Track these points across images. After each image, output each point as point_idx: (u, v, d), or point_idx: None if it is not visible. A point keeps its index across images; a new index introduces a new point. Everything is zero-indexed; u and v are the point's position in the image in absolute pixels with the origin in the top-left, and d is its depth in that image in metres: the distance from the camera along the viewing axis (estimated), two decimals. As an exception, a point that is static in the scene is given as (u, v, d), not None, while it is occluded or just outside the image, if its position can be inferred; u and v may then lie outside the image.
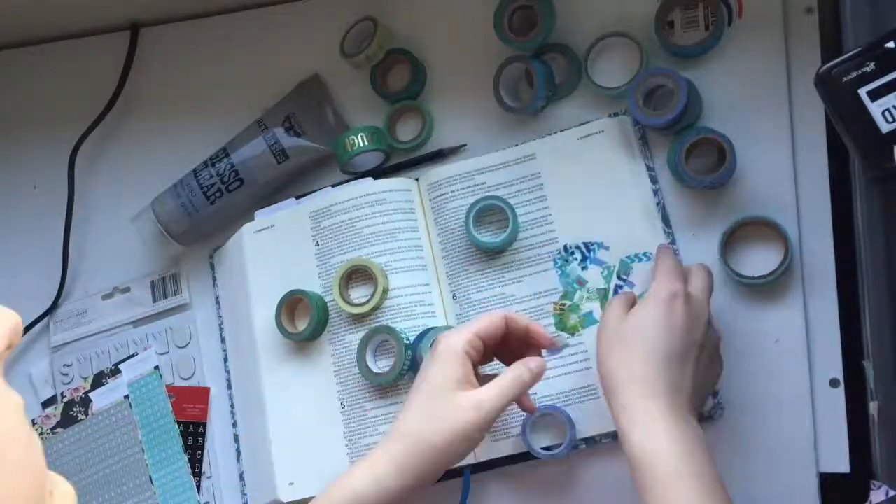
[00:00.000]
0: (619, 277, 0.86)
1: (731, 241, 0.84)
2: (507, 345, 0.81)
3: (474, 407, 0.75)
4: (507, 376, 0.77)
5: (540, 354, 0.81)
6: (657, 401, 0.71)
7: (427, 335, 0.87)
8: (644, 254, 0.86)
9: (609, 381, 0.74)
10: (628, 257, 0.86)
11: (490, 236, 0.89)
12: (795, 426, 0.82)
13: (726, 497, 0.70)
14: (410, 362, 0.87)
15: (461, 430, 0.75)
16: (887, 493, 0.72)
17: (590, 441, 0.86)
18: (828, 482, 0.82)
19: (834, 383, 0.82)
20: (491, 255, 0.89)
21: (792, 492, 0.81)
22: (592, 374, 0.85)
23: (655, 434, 0.70)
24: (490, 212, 0.89)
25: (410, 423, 0.77)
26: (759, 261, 0.84)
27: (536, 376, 0.78)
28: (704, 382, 0.78)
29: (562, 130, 0.90)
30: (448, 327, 0.89)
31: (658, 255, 0.80)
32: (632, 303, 0.77)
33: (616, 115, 0.89)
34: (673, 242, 0.86)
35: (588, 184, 0.88)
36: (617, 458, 0.85)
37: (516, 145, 0.91)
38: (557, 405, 0.85)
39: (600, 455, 0.86)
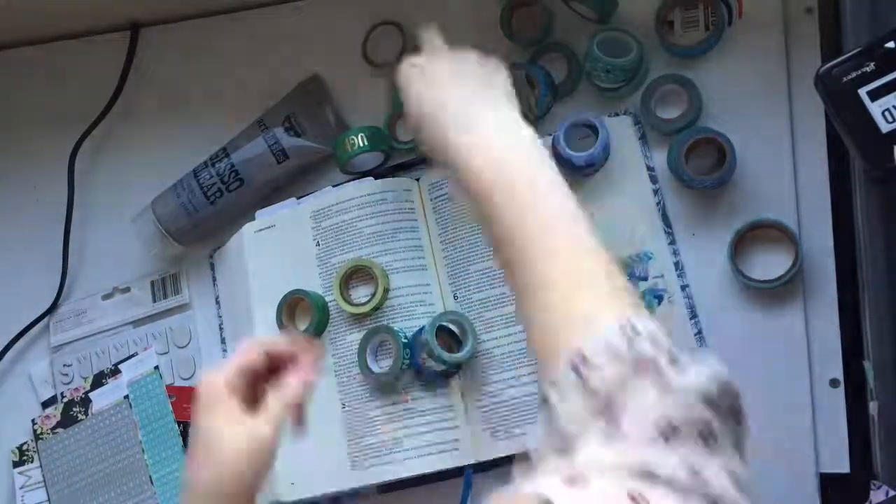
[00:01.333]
0: (620, 278, 0.86)
1: (739, 244, 0.84)
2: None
3: (249, 440, 0.69)
4: (272, 400, 0.72)
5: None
6: (476, 106, 0.69)
7: (421, 333, 0.87)
8: (645, 254, 0.86)
9: (430, 104, 0.71)
10: (629, 257, 0.86)
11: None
12: (795, 426, 0.82)
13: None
14: (409, 361, 0.87)
15: (243, 468, 0.69)
16: (887, 493, 0.72)
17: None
18: (828, 482, 0.82)
19: (834, 383, 0.82)
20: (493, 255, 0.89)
21: (792, 492, 0.81)
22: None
23: (481, 149, 0.66)
24: None
25: (204, 478, 0.70)
26: (766, 263, 0.84)
27: (299, 390, 0.73)
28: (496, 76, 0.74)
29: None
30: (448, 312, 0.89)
31: None
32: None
33: (616, 114, 0.89)
34: (673, 242, 0.87)
35: (589, 184, 0.88)
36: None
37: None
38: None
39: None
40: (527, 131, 0.68)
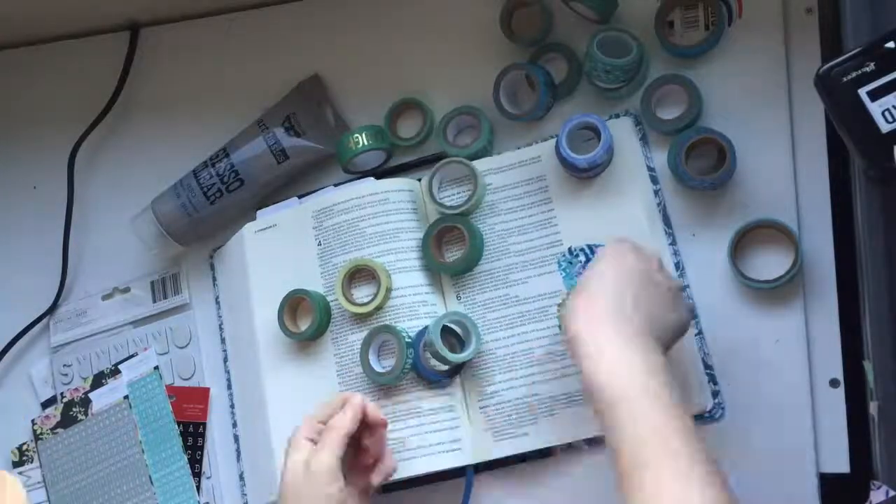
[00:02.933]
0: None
1: (738, 244, 0.84)
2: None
3: (304, 467, 0.80)
4: (327, 427, 0.82)
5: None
6: (604, 328, 0.71)
7: (424, 333, 0.87)
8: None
9: (572, 329, 0.72)
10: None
11: (450, 255, 0.90)
12: (795, 426, 0.82)
13: (684, 415, 0.68)
14: (412, 361, 0.87)
15: (302, 494, 0.80)
16: (887, 493, 0.72)
17: (592, 442, 0.86)
18: (828, 482, 0.82)
19: (834, 383, 0.82)
20: (496, 256, 0.90)
21: (792, 492, 0.81)
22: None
23: (604, 359, 0.69)
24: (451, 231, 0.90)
25: None
26: (765, 263, 0.84)
27: (346, 415, 0.82)
28: (664, 315, 0.76)
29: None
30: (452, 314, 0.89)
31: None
32: None
33: (617, 116, 0.89)
34: (673, 243, 0.87)
35: (592, 185, 0.88)
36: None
37: (519, 148, 0.91)
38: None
39: (603, 455, 0.86)
40: (638, 348, 0.70)
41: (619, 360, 0.69)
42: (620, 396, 0.68)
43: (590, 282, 0.74)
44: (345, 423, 0.81)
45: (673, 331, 0.77)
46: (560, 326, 0.86)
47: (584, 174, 0.87)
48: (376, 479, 0.84)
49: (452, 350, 0.87)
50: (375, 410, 0.84)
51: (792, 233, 0.83)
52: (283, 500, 0.80)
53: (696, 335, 0.84)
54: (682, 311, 0.78)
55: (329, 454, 0.80)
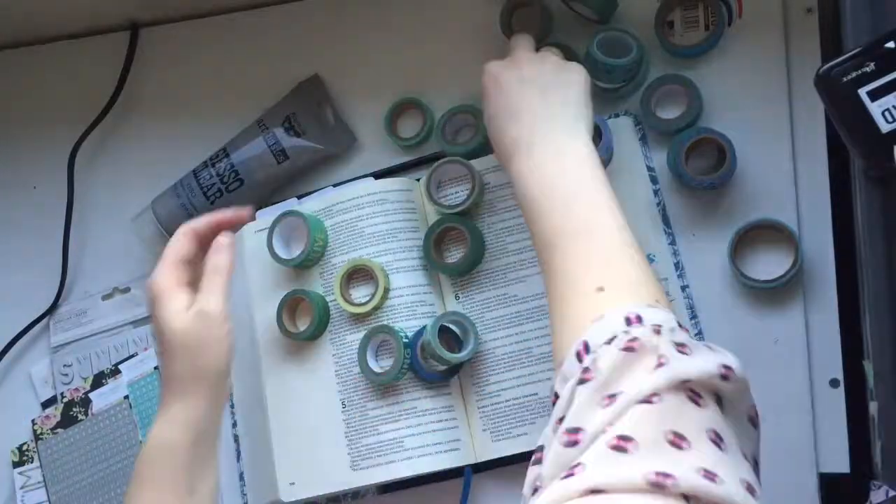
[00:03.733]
0: (619, 278, 0.86)
1: (738, 244, 0.84)
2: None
3: (197, 317, 0.76)
4: (204, 276, 0.79)
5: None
6: (520, 156, 0.74)
7: (422, 333, 0.87)
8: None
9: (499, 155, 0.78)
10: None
11: (451, 257, 0.90)
12: (795, 426, 0.82)
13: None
14: (410, 361, 0.87)
15: (203, 342, 0.77)
16: (887, 493, 0.72)
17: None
18: (828, 482, 0.82)
19: (834, 383, 0.82)
20: (495, 255, 0.90)
21: (792, 492, 0.81)
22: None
23: (543, 163, 0.73)
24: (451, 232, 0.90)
25: (179, 370, 0.77)
26: (765, 263, 0.84)
27: (222, 253, 0.80)
28: (570, 95, 0.77)
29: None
30: (454, 313, 0.89)
31: None
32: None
33: (617, 115, 0.89)
34: (673, 243, 0.86)
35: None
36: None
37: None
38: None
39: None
40: (579, 154, 0.73)
41: (558, 159, 0.73)
42: (563, 193, 0.71)
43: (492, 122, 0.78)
44: (227, 264, 0.79)
45: (584, 94, 0.78)
46: None
47: None
48: None
49: (450, 350, 0.87)
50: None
51: (792, 233, 0.83)
52: (172, 352, 0.77)
53: (695, 335, 0.84)
54: (573, 72, 0.79)
55: (220, 298, 0.78)
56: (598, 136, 0.85)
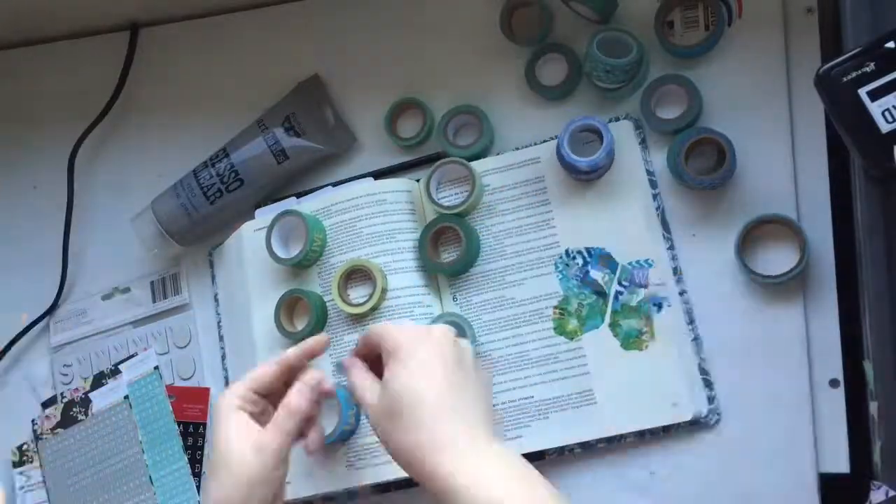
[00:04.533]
0: (619, 283, 0.86)
1: (742, 241, 0.84)
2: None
3: (255, 452, 0.73)
4: (279, 410, 0.75)
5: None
6: (459, 439, 0.68)
7: None
8: (645, 260, 0.86)
9: (397, 458, 0.70)
10: (629, 263, 0.86)
11: (446, 256, 0.90)
12: (795, 426, 0.82)
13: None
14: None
15: (252, 480, 0.72)
16: (887, 494, 0.72)
17: (586, 445, 0.86)
18: (828, 482, 0.82)
19: (834, 383, 0.82)
20: (493, 257, 0.89)
21: (792, 492, 0.81)
22: (590, 379, 0.85)
23: (467, 468, 0.67)
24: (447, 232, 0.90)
25: (215, 496, 0.73)
26: (766, 261, 0.84)
27: (303, 396, 0.76)
28: (486, 395, 0.75)
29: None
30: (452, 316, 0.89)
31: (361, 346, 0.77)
32: (366, 362, 0.76)
33: (617, 119, 0.89)
34: (671, 248, 0.86)
35: (591, 188, 0.88)
36: (614, 462, 0.85)
37: (518, 148, 0.91)
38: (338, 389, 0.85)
39: (597, 460, 0.86)
40: (495, 452, 0.69)
41: (485, 467, 0.67)
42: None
43: (401, 402, 0.70)
44: (302, 406, 0.75)
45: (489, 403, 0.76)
46: (556, 330, 0.87)
47: (585, 176, 0.87)
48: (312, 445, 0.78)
49: None
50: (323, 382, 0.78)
51: (799, 228, 0.82)
52: (217, 472, 0.73)
53: (692, 340, 0.84)
54: (488, 377, 0.79)
55: (286, 440, 0.74)
56: (600, 139, 0.85)
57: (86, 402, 1.02)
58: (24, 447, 1.03)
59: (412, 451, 0.69)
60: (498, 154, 0.92)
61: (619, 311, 0.85)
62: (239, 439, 0.73)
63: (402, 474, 0.86)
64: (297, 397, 0.76)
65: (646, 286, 0.85)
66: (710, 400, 0.83)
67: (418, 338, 0.73)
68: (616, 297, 0.86)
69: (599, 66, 0.86)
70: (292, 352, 0.78)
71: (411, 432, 0.69)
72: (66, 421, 1.02)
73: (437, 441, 0.68)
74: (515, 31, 0.93)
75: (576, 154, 0.85)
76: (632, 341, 0.85)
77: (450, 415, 0.69)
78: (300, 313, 0.93)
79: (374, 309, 0.89)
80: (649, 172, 0.88)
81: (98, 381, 1.02)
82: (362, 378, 0.75)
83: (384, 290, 0.89)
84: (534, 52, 0.92)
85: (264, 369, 0.77)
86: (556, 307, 0.87)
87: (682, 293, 0.85)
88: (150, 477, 0.98)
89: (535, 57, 0.92)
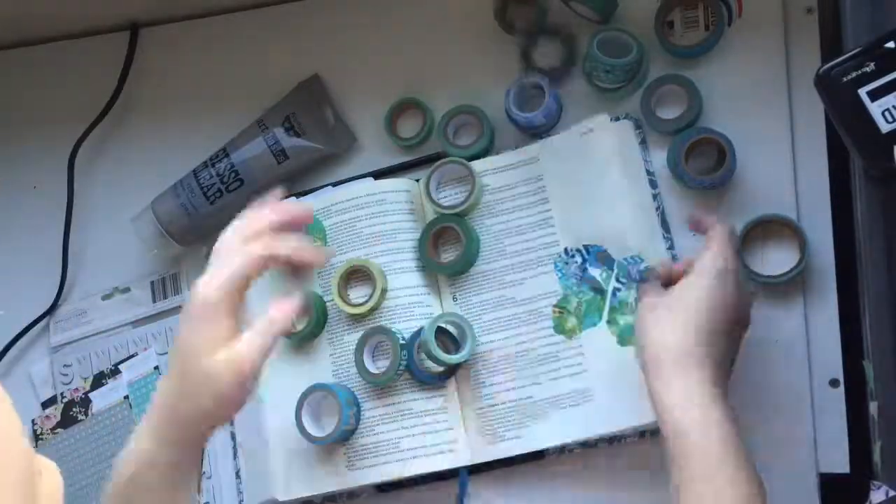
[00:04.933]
0: (617, 281, 0.86)
1: (745, 240, 0.84)
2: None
3: (231, 370, 0.67)
4: (259, 324, 0.70)
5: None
6: (699, 377, 0.70)
7: (419, 334, 0.87)
8: (641, 258, 0.85)
9: (650, 350, 0.72)
10: (625, 259, 0.86)
11: (446, 256, 0.90)
12: (795, 426, 0.82)
13: (759, 483, 0.69)
14: (407, 362, 0.87)
15: (220, 398, 0.68)
16: (887, 494, 0.71)
17: (586, 444, 0.86)
18: (828, 482, 0.82)
19: (834, 383, 0.82)
20: (493, 257, 0.89)
21: (792, 492, 0.81)
22: (588, 377, 0.85)
23: (694, 414, 0.69)
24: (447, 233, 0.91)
25: (164, 395, 0.69)
26: (766, 261, 0.83)
27: (284, 316, 0.71)
28: (734, 355, 0.77)
29: (562, 131, 0.90)
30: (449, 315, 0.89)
31: (712, 225, 0.77)
32: (665, 283, 0.78)
33: (617, 118, 0.89)
34: (671, 247, 0.86)
35: (590, 187, 0.88)
36: (612, 462, 0.85)
37: (517, 147, 0.91)
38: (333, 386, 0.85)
39: (597, 458, 0.86)
40: (716, 412, 0.70)
41: (708, 420, 0.69)
42: (704, 457, 0.68)
43: (683, 305, 0.73)
44: (286, 325, 0.71)
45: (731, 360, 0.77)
46: (555, 328, 0.86)
47: (528, 132, 0.90)
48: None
49: (447, 351, 0.87)
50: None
51: (799, 228, 0.82)
52: (184, 382, 0.69)
53: None
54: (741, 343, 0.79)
55: (261, 358, 0.69)
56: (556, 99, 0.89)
57: (86, 402, 1.02)
58: (24, 447, 1.03)
59: (655, 362, 0.72)
60: (498, 154, 0.92)
61: (616, 308, 0.85)
62: (216, 347, 0.67)
63: (403, 474, 0.87)
64: (279, 309, 0.70)
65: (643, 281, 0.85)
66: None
67: (721, 273, 0.74)
68: (614, 295, 0.86)
69: (599, 66, 0.86)
70: (281, 247, 0.71)
71: (664, 330, 0.72)
72: (66, 421, 1.02)
73: (672, 380, 0.71)
74: (511, 25, 0.94)
75: (520, 110, 0.88)
76: (629, 337, 0.85)
77: (698, 343, 0.71)
78: (300, 313, 0.92)
79: (374, 309, 0.89)
80: (649, 172, 0.88)
81: (98, 381, 1.02)
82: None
83: (384, 290, 0.89)
84: (528, 38, 0.92)
85: (244, 262, 0.69)
86: (556, 306, 0.87)
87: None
88: (150, 477, 0.98)
89: (528, 47, 0.92)
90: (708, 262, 0.74)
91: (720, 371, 0.72)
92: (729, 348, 0.74)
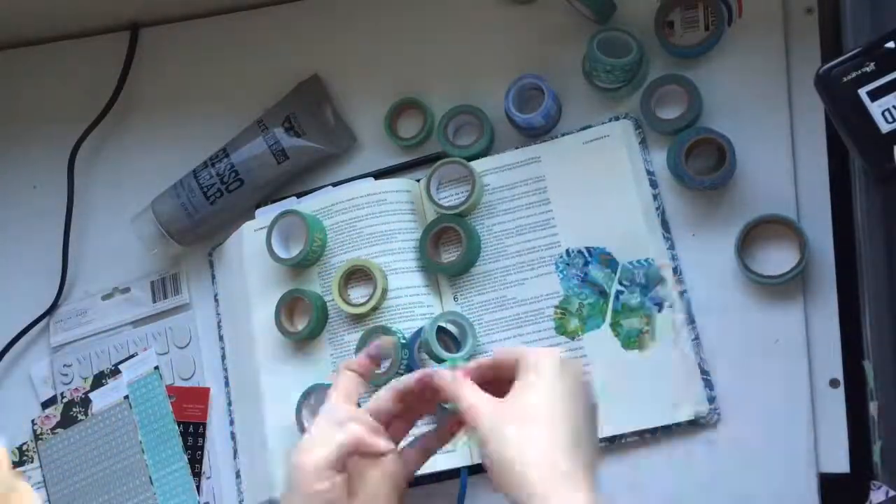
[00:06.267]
0: (620, 283, 0.86)
1: (744, 240, 0.84)
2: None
3: None
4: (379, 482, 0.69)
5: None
6: (578, 492, 0.62)
7: (420, 334, 0.87)
8: (645, 260, 0.86)
9: (508, 470, 0.63)
10: (630, 263, 0.86)
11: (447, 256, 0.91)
12: (795, 426, 0.82)
13: None
14: (407, 362, 0.87)
15: None
16: (887, 494, 0.72)
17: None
18: (828, 482, 0.82)
19: (834, 383, 0.82)
20: (494, 257, 0.89)
21: (792, 492, 0.81)
22: (590, 379, 0.85)
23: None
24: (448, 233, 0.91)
25: None
26: (766, 261, 0.84)
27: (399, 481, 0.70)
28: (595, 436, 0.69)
29: (563, 135, 0.90)
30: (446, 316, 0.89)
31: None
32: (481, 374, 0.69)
33: (617, 118, 0.89)
34: (672, 248, 0.86)
35: (591, 188, 0.88)
36: (612, 462, 0.85)
37: (517, 147, 0.91)
38: None
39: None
40: None
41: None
42: None
43: (538, 413, 0.64)
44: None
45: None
46: (557, 329, 0.86)
47: (526, 133, 0.90)
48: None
49: (448, 350, 0.87)
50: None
51: (799, 228, 0.82)
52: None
53: (692, 340, 0.84)
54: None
55: (318, 452, 0.67)
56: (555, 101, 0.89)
57: (86, 402, 1.02)
58: (24, 447, 1.03)
59: (528, 467, 0.63)
60: (497, 154, 0.92)
61: (619, 311, 0.85)
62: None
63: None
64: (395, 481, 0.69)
65: (647, 286, 0.85)
66: (710, 400, 0.83)
67: (561, 363, 0.67)
68: (617, 297, 0.86)
69: (599, 65, 0.86)
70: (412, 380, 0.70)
71: (535, 447, 0.63)
72: (66, 421, 1.02)
73: (557, 469, 0.62)
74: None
75: (520, 111, 0.88)
76: (632, 341, 0.85)
77: (574, 452, 0.63)
78: (300, 313, 0.93)
79: (374, 309, 0.89)
80: (649, 172, 0.88)
81: (98, 381, 1.02)
82: (473, 389, 0.67)
83: (385, 291, 0.89)
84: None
85: (357, 433, 0.69)
86: (557, 307, 0.87)
87: (682, 293, 0.85)
88: (150, 477, 0.98)
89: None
90: (541, 358, 0.66)
91: (594, 472, 0.65)
92: (596, 439, 0.68)
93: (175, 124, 1.04)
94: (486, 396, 0.66)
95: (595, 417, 0.68)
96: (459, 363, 0.70)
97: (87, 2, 1.04)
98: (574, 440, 0.64)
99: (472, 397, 0.67)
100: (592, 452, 0.66)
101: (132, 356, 1.01)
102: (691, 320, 0.85)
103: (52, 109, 1.08)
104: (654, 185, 0.88)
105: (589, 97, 0.91)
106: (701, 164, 0.86)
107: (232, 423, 0.97)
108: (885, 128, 0.70)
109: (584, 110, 0.91)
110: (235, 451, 0.97)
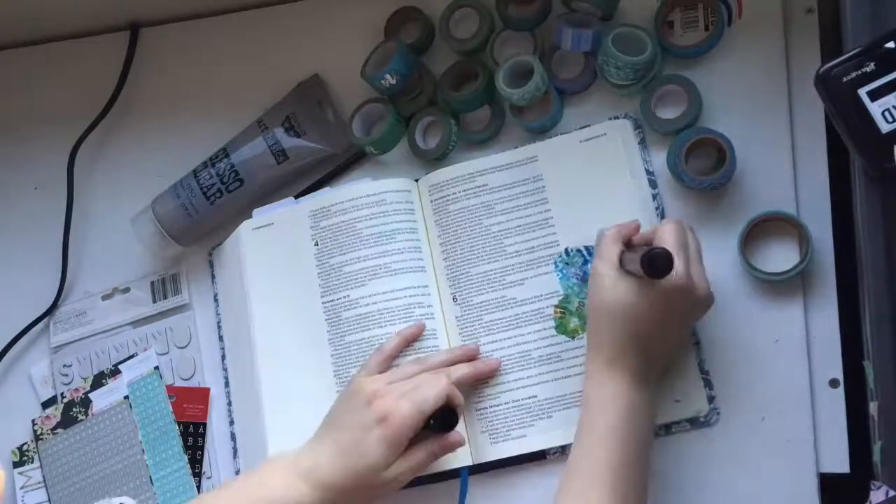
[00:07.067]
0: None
1: (747, 236, 0.84)
2: None
3: (384, 483, 0.81)
4: (428, 448, 0.83)
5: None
6: (610, 381, 0.77)
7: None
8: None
9: (591, 338, 0.79)
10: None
11: None
12: (795, 426, 0.82)
13: (644, 469, 0.76)
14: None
15: (376, 497, 0.83)
16: (887, 493, 0.72)
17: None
18: (828, 482, 0.82)
19: (834, 383, 0.82)
20: (493, 257, 0.90)
21: (792, 492, 0.81)
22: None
23: (605, 390, 0.76)
24: None
25: (336, 482, 0.81)
26: (767, 259, 0.84)
27: (449, 450, 0.84)
28: (676, 350, 0.83)
29: (562, 134, 0.90)
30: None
31: (660, 228, 0.79)
32: (626, 241, 0.80)
33: (616, 118, 0.89)
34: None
35: (589, 187, 0.88)
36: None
37: (516, 147, 0.91)
38: None
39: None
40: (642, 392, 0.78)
41: (615, 398, 0.77)
42: (591, 419, 0.77)
43: (622, 311, 0.77)
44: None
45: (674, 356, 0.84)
46: (557, 328, 0.87)
47: (531, 131, 0.91)
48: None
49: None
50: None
51: (801, 225, 0.82)
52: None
53: (693, 343, 0.84)
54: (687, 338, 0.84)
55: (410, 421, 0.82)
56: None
57: (86, 402, 1.02)
58: (24, 447, 1.03)
59: (589, 348, 0.79)
60: (496, 154, 0.92)
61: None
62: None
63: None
64: (441, 448, 0.84)
65: None
66: (710, 400, 0.83)
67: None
68: (616, 297, 0.86)
69: (611, 60, 0.86)
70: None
71: (599, 333, 0.78)
72: (66, 421, 1.02)
73: (601, 357, 0.78)
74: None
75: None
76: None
77: (630, 346, 0.77)
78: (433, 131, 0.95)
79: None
80: (649, 172, 0.88)
81: (98, 381, 1.02)
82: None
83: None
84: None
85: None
86: (557, 306, 0.87)
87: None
88: (151, 477, 0.98)
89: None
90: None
91: (651, 370, 0.79)
92: (669, 350, 0.81)
93: (175, 124, 1.04)
94: (611, 274, 0.78)
95: (687, 332, 0.83)
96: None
97: (87, 2, 1.04)
98: (638, 339, 0.77)
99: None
100: (664, 355, 0.80)
101: (132, 356, 1.01)
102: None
103: (52, 109, 1.08)
104: (653, 184, 0.88)
105: (591, 94, 0.91)
106: (701, 164, 0.86)
107: (232, 423, 0.97)
108: (884, 128, 0.70)
109: (594, 106, 0.91)
110: (235, 451, 0.97)
